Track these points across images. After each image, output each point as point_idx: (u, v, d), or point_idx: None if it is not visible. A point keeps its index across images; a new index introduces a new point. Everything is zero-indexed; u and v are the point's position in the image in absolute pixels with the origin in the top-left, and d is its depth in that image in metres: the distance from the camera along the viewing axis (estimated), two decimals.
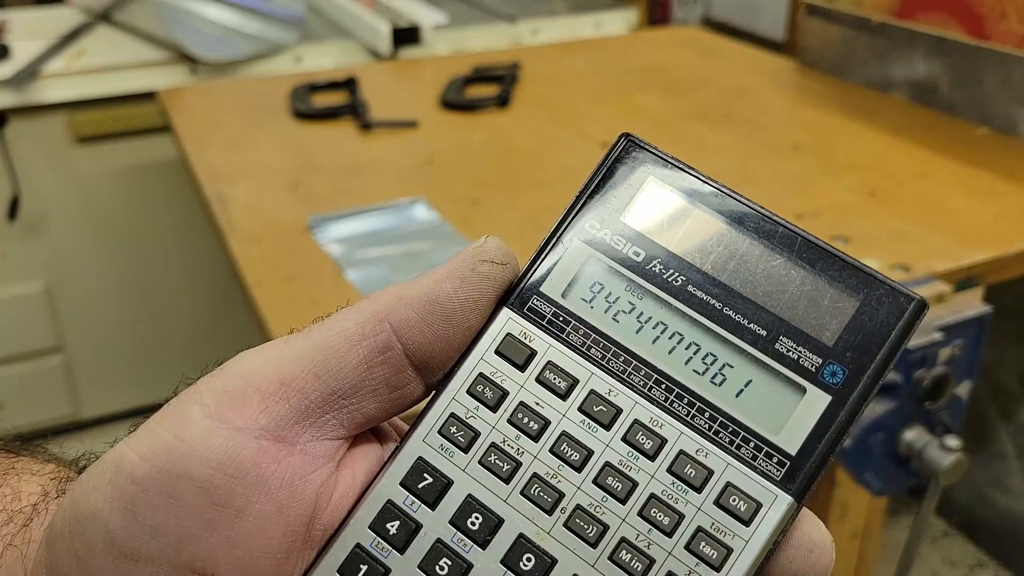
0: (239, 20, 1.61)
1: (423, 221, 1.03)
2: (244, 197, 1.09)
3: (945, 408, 0.87)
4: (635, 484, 0.26)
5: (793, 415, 0.26)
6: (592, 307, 0.28)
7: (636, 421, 0.26)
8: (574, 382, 0.27)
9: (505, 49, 1.73)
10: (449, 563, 0.26)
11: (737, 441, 0.26)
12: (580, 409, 0.27)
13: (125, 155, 1.68)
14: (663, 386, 0.27)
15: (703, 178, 0.28)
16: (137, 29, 1.71)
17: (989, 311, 0.88)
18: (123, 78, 1.60)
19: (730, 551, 0.25)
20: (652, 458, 0.26)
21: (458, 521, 0.26)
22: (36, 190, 1.64)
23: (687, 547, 0.25)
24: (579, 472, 0.26)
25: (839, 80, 1.49)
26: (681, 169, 0.29)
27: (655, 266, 0.28)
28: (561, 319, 0.28)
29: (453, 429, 0.27)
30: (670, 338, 0.27)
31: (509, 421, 0.27)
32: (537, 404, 0.27)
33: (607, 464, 0.26)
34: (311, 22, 1.79)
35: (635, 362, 0.27)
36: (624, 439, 0.26)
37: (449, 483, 0.27)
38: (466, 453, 0.27)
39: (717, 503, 0.25)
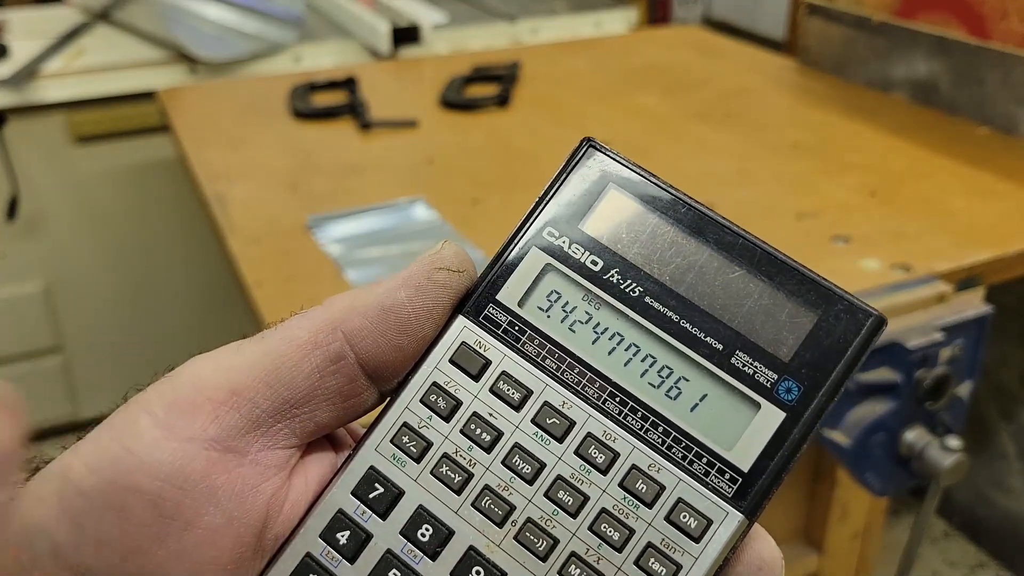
0: (238, 19, 1.61)
1: (423, 221, 1.03)
2: (244, 197, 1.09)
3: (946, 408, 0.87)
4: (586, 498, 0.26)
5: (746, 431, 0.25)
6: (548, 316, 0.27)
7: (589, 434, 0.26)
8: (528, 393, 0.27)
9: (505, 48, 1.72)
10: (398, 574, 0.26)
11: (690, 456, 0.26)
12: (533, 421, 0.26)
13: (124, 155, 1.68)
14: (617, 399, 0.26)
15: (664, 186, 0.28)
16: (136, 28, 1.71)
17: (990, 311, 0.88)
18: (122, 78, 1.60)
19: (679, 568, 0.25)
20: (604, 472, 0.26)
21: (409, 532, 0.26)
22: (35, 190, 1.64)
23: (636, 563, 0.25)
24: (531, 485, 0.26)
25: (839, 80, 1.48)
26: (643, 176, 0.28)
27: (613, 276, 0.27)
28: (517, 328, 0.27)
29: (405, 439, 0.27)
30: (626, 350, 0.27)
31: (462, 432, 0.27)
32: (490, 415, 0.27)
33: (559, 477, 0.26)
34: (311, 21, 1.79)
35: (590, 374, 0.27)
36: (577, 452, 0.26)
37: (400, 493, 0.26)
38: (418, 463, 0.26)
39: (668, 519, 0.25)
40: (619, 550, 0.25)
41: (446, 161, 1.20)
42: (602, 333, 0.27)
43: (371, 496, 0.26)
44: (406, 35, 1.69)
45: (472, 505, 0.26)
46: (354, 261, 0.94)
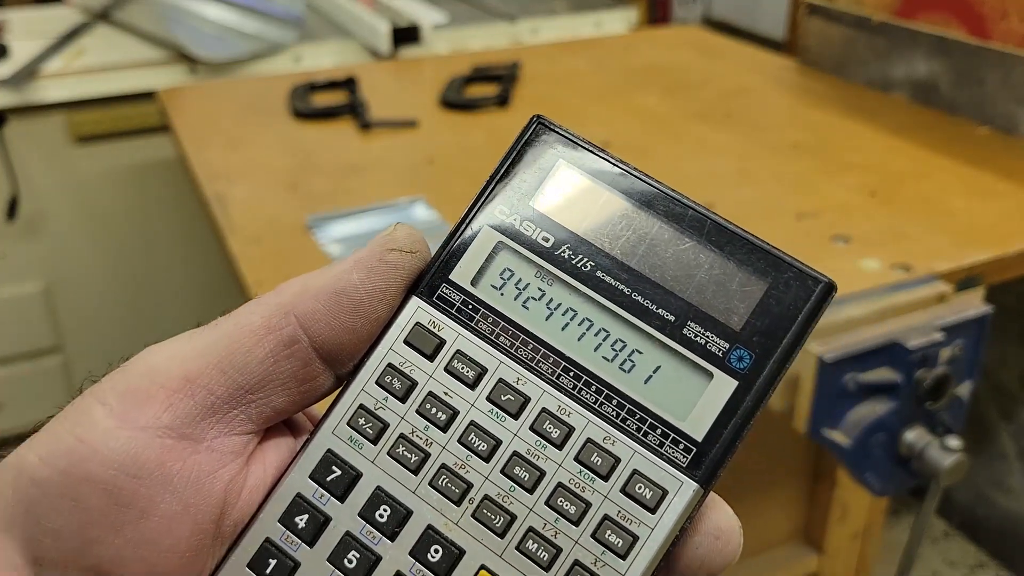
0: (238, 19, 1.61)
1: (423, 221, 1.03)
2: (244, 197, 1.09)
3: (946, 408, 0.86)
4: (543, 473, 0.26)
5: (700, 401, 0.26)
6: (502, 294, 0.28)
7: (544, 410, 0.26)
8: (482, 371, 0.27)
9: (505, 48, 1.72)
10: (358, 556, 0.26)
11: (644, 428, 0.26)
12: (488, 398, 0.27)
13: (124, 155, 1.68)
14: (571, 373, 0.27)
15: (614, 161, 0.28)
16: (136, 28, 1.71)
17: (990, 311, 0.88)
18: (122, 78, 1.60)
19: (636, 538, 0.25)
20: (560, 447, 0.26)
21: (367, 513, 0.26)
22: (35, 190, 1.64)
23: (593, 535, 0.25)
24: (487, 462, 0.26)
25: (839, 80, 1.48)
26: (592, 152, 0.28)
27: (564, 252, 0.27)
28: (470, 307, 0.28)
29: (362, 421, 0.27)
30: (579, 325, 0.27)
31: (418, 411, 0.27)
32: (446, 394, 0.27)
33: (515, 454, 0.26)
34: (311, 21, 1.79)
35: (544, 350, 0.27)
36: (532, 428, 0.26)
37: (358, 475, 0.27)
38: (375, 445, 0.27)
39: (623, 491, 0.25)
40: (576, 523, 0.25)
41: (446, 161, 1.20)
42: (555, 309, 0.27)
43: (329, 479, 0.27)
44: (406, 35, 1.69)
45: (429, 484, 0.26)
46: None
